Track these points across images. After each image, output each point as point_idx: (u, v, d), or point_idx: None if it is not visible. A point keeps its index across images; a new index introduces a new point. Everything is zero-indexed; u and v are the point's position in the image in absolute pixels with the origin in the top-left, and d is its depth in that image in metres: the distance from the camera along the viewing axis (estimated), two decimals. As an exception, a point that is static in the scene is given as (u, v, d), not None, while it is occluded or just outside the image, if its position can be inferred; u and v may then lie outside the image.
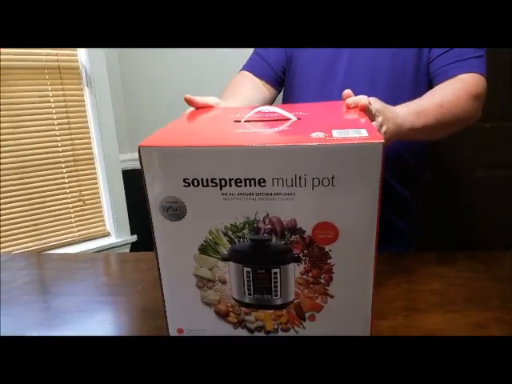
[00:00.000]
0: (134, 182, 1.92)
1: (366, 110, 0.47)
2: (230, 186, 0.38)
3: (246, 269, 0.41)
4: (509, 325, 0.52)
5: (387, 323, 0.54)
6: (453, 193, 1.46)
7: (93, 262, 0.80)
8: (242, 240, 0.40)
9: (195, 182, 0.38)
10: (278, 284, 0.42)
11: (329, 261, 0.40)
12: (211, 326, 0.44)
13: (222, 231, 0.40)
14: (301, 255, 0.40)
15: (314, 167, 0.36)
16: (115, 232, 1.94)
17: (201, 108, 0.56)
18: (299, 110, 0.47)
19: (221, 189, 0.38)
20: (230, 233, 0.40)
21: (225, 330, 0.44)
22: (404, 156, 0.77)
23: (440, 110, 0.62)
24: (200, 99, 0.54)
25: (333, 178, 0.36)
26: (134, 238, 1.98)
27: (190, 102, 0.54)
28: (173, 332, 0.45)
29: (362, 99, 0.47)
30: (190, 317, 0.44)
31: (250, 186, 0.37)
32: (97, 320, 0.59)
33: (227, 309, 0.43)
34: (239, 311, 0.43)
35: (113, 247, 1.91)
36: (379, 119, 0.50)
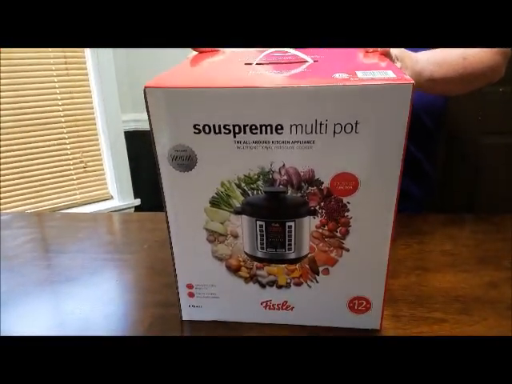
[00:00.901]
0: (136, 143, 1.87)
1: (387, 55, 0.44)
2: (245, 133, 0.35)
3: (259, 222, 0.40)
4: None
5: (398, 282, 0.53)
6: (463, 158, 1.42)
7: (96, 222, 0.78)
8: (255, 192, 0.38)
9: (206, 128, 0.35)
10: (293, 238, 0.40)
11: (346, 213, 0.38)
12: (222, 281, 0.43)
13: (234, 183, 0.38)
14: (317, 208, 0.38)
15: (337, 111, 0.33)
16: (118, 195, 1.90)
17: (205, 52, 0.52)
18: (315, 54, 0.44)
19: (234, 136, 0.35)
20: (243, 185, 0.38)
21: (236, 284, 0.43)
22: (421, 115, 0.74)
23: (462, 62, 0.58)
24: None
25: (357, 123, 0.33)
26: (138, 201, 1.94)
27: None
28: (182, 287, 0.44)
29: None
30: (201, 271, 0.43)
31: (266, 133, 0.35)
32: (102, 277, 0.58)
33: (239, 263, 0.42)
34: (251, 266, 0.42)
35: (116, 211, 1.89)
36: (397, 65, 0.47)
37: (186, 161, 0.37)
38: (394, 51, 0.47)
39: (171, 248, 0.42)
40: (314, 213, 0.38)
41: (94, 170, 1.85)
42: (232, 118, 0.34)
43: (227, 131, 0.35)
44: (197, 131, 0.35)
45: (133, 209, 1.95)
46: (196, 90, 0.34)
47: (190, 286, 0.44)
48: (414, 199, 0.80)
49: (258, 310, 0.45)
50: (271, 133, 0.35)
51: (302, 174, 0.36)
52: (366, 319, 0.44)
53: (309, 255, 0.41)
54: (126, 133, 1.84)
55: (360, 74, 0.34)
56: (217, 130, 0.35)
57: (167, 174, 0.38)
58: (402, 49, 0.50)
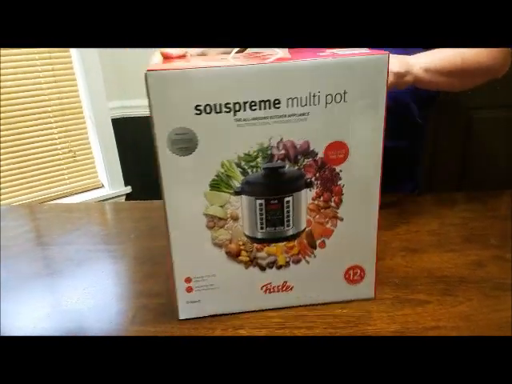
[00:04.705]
0: (124, 131, 1.90)
1: None
2: (245, 110, 0.36)
3: (258, 201, 0.41)
4: (508, 262, 0.51)
5: (384, 263, 0.52)
6: (453, 134, 1.35)
7: (84, 212, 0.79)
8: (255, 170, 0.39)
9: (207, 108, 0.36)
10: (291, 213, 0.42)
11: (339, 182, 0.41)
12: (222, 269, 0.43)
13: (235, 162, 0.38)
14: (313, 179, 0.41)
15: (328, 83, 0.36)
16: (109, 183, 1.92)
17: (170, 58, 0.52)
18: (288, 52, 0.48)
19: (235, 114, 0.36)
20: (243, 163, 0.39)
21: (236, 270, 0.43)
22: (411, 107, 0.72)
23: (461, 53, 0.55)
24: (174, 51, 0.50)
25: (345, 93, 0.37)
26: (129, 189, 1.97)
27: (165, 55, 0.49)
28: (179, 282, 0.42)
29: None
30: (200, 262, 0.42)
31: (265, 108, 0.37)
32: (88, 268, 0.57)
33: (238, 247, 0.42)
34: (251, 248, 0.42)
35: (107, 199, 1.92)
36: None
37: (186, 144, 0.37)
38: None
39: (168, 239, 0.41)
40: (310, 185, 0.41)
41: (84, 159, 1.87)
42: (232, 97, 0.36)
43: (228, 110, 0.36)
44: (198, 112, 0.36)
45: (124, 197, 1.98)
46: (198, 70, 0.35)
47: (188, 280, 0.42)
48: (405, 182, 0.78)
49: (258, 295, 0.45)
50: (269, 108, 0.37)
51: (298, 146, 0.39)
52: (361, 289, 0.46)
53: (306, 229, 0.43)
54: (113, 120, 1.85)
55: (340, 52, 0.38)
56: (218, 110, 0.36)
57: (166, 159, 0.37)
58: None
